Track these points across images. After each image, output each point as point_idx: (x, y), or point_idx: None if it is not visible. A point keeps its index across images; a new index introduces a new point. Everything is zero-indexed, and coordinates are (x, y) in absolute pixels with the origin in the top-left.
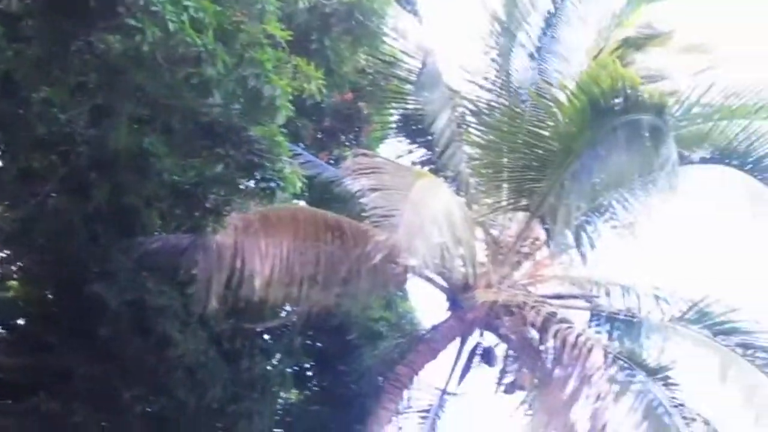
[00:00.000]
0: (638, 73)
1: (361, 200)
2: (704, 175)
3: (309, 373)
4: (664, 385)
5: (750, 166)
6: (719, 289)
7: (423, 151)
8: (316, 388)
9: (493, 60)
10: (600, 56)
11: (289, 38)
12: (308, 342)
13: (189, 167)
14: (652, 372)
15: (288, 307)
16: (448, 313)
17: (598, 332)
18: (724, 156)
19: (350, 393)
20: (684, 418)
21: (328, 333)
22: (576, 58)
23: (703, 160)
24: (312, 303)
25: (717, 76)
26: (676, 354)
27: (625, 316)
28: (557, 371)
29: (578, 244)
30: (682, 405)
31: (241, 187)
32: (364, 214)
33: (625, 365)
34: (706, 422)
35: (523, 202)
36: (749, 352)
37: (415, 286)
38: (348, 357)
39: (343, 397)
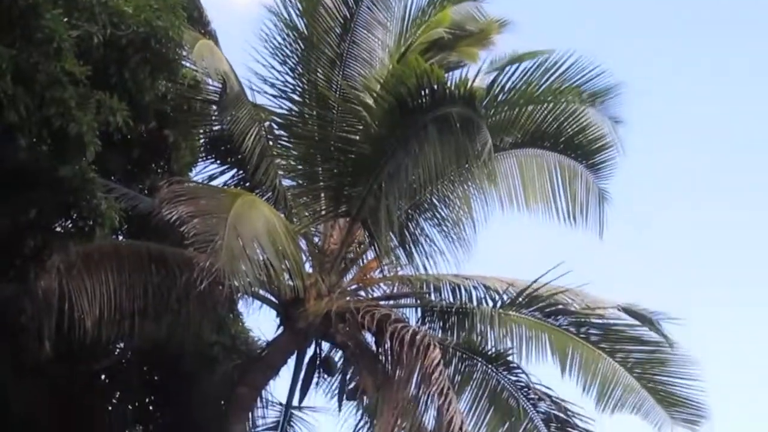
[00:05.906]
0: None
1: (181, 228)
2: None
3: (150, 408)
4: (506, 370)
5: (562, 146)
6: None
7: (235, 170)
8: (160, 422)
9: (293, 70)
10: (405, 57)
11: (89, 73)
12: (146, 377)
13: (1, 216)
14: (492, 359)
15: (122, 344)
16: (282, 328)
17: (432, 328)
18: (535, 139)
19: (195, 422)
20: (529, 399)
21: (165, 365)
22: (378, 60)
23: (514, 146)
24: (145, 336)
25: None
26: (514, 339)
27: (457, 309)
28: (398, 372)
29: (402, 243)
30: (527, 387)
31: (59, 229)
32: (186, 241)
33: (464, 356)
34: (553, 401)
35: (343, 208)
36: (582, 329)
37: (246, 306)
38: (188, 386)
39: (188, 427)
